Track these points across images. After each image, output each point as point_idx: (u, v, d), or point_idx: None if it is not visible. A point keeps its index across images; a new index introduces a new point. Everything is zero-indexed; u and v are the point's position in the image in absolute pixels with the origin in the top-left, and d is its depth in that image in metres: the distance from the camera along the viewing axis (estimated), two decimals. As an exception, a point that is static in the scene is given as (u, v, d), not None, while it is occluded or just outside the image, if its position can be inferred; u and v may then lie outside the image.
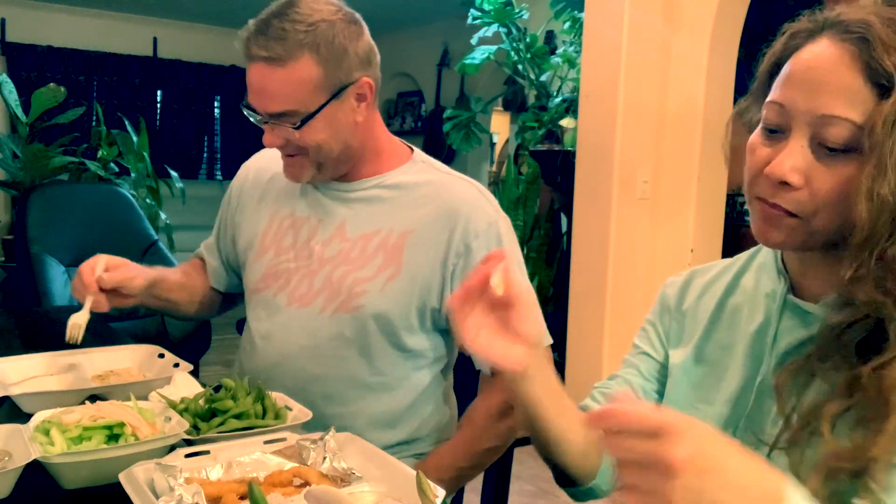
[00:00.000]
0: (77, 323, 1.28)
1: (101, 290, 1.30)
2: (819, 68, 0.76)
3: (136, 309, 1.39)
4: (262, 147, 1.54)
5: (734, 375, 0.89)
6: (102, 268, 1.30)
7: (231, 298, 1.59)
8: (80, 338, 1.27)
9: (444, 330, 1.34)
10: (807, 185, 0.76)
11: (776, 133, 0.79)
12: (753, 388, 0.86)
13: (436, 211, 1.30)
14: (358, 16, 1.28)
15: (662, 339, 1.01)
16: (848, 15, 0.77)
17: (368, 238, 1.31)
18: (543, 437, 0.91)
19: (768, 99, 0.80)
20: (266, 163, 1.48)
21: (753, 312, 0.90)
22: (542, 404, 0.88)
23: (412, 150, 1.41)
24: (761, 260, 0.94)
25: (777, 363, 0.84)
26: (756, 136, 0.82)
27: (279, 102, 1.22)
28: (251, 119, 1.28)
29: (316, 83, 1.22)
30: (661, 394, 1.01)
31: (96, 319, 1.32)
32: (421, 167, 1.37)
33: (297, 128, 1.23)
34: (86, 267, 1.31)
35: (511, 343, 0.81)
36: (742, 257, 0.98)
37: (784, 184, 0.77)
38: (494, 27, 4.06)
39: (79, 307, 1.30)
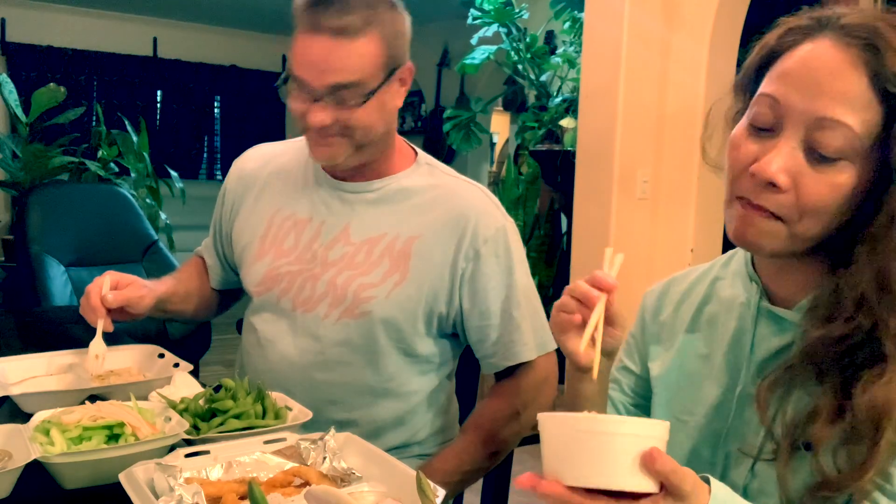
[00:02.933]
0: (96, 354, 1.27)
1: (108, 309, 1.28)
2: (821, 69, 0.72)
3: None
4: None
5: (714, 386, 0.88)
6: (108, 287, 1.29)
7: (232, 294, 1.58)
8: (102, 368, 1.27)
9: (449, 335, 1.34)
10: (794, 188, 0.73)
11: (764, 131, 0.76)
12: (734, 398, 0.85)
13: (443, 216, 1.29)
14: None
15: (641, 352, 1.01)
16: (852, 18, 0.74)
17: (374, 242, 1.29)
18: None
19: (761, 91, 0.77)
20: (262, 159, 1.45)
21: (729, 321, 0.88)
22: (589, 402, 0.89)
23: (416, 151, 1.39)
24: (734, 267, 0.92)
25: (756, 372, 0.83)
26: (741, 130, 0.78)
27: (345, 74, 1.19)
28: (284, 97, 1.24)
29: (378, 62, 1.21)
30: (639, 407, 1.01)
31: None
32: (426, 170, 1.36)
33: (362, 103, 1.20)
34: (93, 287, 1.29)
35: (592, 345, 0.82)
36: (717, 263, 0.96)
37: (770, 184, 0.73)
38: (494, 27, 4.06)
39: (77, 308, 1.30)
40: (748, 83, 0.81)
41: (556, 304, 0.84)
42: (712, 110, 0.86)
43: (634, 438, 0.64)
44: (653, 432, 0.65)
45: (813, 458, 0.72)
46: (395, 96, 1.26)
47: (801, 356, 0.76)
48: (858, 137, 0.71)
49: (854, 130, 0.70)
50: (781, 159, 0.73)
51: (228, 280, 1.53)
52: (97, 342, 1.27)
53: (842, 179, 0.72)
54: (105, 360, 1.27)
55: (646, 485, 0.64)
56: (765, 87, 0.77)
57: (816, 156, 0.72)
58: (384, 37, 1.20)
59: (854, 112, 0.70)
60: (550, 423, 0.67)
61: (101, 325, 1.27)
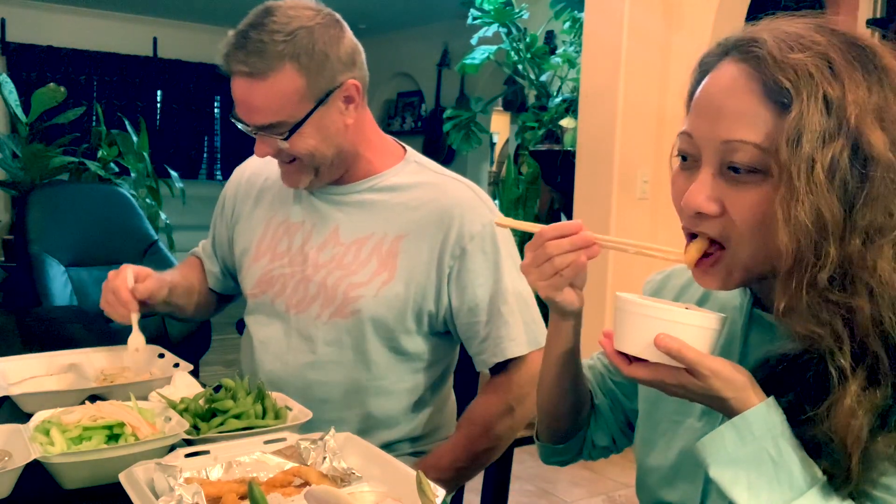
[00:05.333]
0: (136, 347, 1.29)
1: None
2: (718, 92, 0.74)
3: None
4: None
5: None
6: (132, 279, 1.31)
7: (227, 298, 1.60)
8: (142, 361, 1.29)
9: (440, 333, 1.34)
10: (724, 211, 0.75)
11: (690, 163, 0.78)
12: None
13: (429, 213, 1.29)
14: (338, 16, 1.26)
15: None
16: (747, 34, 0.75)
17: (362, 243, 1.30)
18: (571, 373, 0.95)
19: (680, 130, 0.79)
20: (260, 167, 1.47)
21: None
22: (577, 341, 0.93)
23: (405, 149, 1.40)
24: None
25: None
26: (675, 168, 0.81)
27: (265, 115, 1.21)
28: (243, 129, 1.27)
29: (300, 93, 1.21)
30: (619, 384, 1.04)
31: (98, 320, 1.32)
32: (414, 168, 1.36)
33: (286, 139, 1.22)
34: (119, 281, 1.30)
35: (570, 287, 0.88)
36: None
37: (702, 214, 0.75)
38: (494, 27, 4.06)
39: (79, 308, 1.30)
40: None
41: (541, 253, 0.85)
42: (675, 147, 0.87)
43: (670, 324, 0.72)
44: (692, 321, 0.73)
45: None
46: (340, 116, 1.26)
47: (771, 370, 0.76)
48: (765, 150, 0.71)
49: (759, 145, 0.71)
50: (703, 189, 0.75)
51: (226, 286, 1.55)
52: (136, 335, 1.30)
53: (763, 192, 0.72)
54: (144, 352, 1.30)
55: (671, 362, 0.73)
56: (684, 123, 0.79)
57: (732, 176, 0.73)
58: (303, 67, 1.19)
59: (754, 127, 0.71)
60: (617, 299, 0.78)
61: (136, 318, 1.29)
